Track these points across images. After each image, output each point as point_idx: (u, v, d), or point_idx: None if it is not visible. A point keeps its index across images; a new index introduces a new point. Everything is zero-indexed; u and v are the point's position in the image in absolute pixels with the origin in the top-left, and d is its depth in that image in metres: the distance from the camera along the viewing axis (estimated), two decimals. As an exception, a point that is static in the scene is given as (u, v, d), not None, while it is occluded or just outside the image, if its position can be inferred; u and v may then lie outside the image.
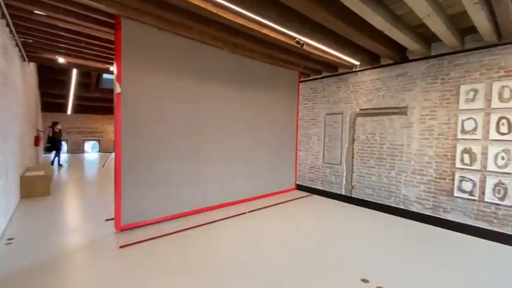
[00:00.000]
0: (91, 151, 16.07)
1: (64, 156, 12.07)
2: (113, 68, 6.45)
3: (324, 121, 6.31)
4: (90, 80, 11.75)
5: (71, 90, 11.55)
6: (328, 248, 3.33)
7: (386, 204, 5.11)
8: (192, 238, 3.53)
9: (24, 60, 5.94)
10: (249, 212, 4.62)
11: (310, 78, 6.59)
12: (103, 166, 10.17)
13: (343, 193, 5.89)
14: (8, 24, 3.97)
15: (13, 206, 4.42)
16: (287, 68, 5.90)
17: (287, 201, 5.50)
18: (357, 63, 5.28)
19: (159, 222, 4.00)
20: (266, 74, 5.60)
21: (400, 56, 4.71)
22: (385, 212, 5.05)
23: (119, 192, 3.59)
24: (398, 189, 4.97)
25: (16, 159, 4.79)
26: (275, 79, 5.83)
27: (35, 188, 5.41)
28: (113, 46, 4.86)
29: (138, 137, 3.77)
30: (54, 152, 9.91)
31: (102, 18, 3.51)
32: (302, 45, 3.96)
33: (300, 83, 6.68)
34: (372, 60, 5.01)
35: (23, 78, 5.80)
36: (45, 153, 13.29)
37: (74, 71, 10.02)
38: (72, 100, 12.41)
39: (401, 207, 4.90)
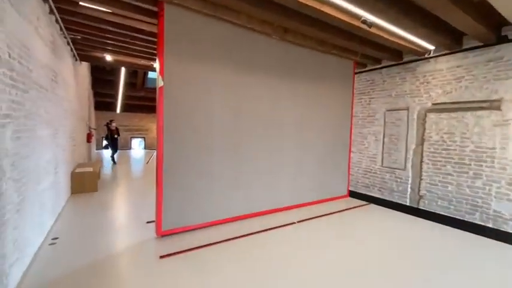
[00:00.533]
0: (137, 148, 16.89)
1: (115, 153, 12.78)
2: (156, 64, 6.39)
3: (384, 118, 5.45)
4: (136, 79, 12.20)
5: (119, 89, 12.12)
6: (412, 281, 2.62)
7: (468, 220, 4.14)
8: (237, 251, 3.09)
9: (76, 59, 6.13)
10: (298, 221, 4.06)
11: (367, 69, 5.77)
12: (147, 163, 10.44)
13: (408, 203, 5.00)
14: (57, 21, 3.95)
15: (63, 202, 4.47)
16: (341, 57, 5.17)
17: (341, 210, 4.80)
18: (431, 47, 4.37)
19: (201, 228, 3.66)
20: (317, 65, 4.95)
21: (496, 34, 3.72)
22: (465, 230, 4.09)
23: (160, 196, 3.31)
24: (486, 203, 3.97)
25: (67, 156, 4.87)
26: (327, 70, 5.15)
27: (83, 184, 5.51)
28: (156, 40, 4.68)
29: (181, 135, 3.45)
30: (110, 149, 10.08)
31: (144, 6, 3.24)
32: (370, 26, 3.27)
33: (355, 75, 5.89)
34: (453, 43, 4.07)
35: (75, 76, 5.99)
36: (97, 150, 14.27)
37: (122, 71, 10.43)
38: (121, 99, 13.05)
39: (490, 225, 3.91)
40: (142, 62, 6.09)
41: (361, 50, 4.68)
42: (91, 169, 5.80)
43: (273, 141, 4.39)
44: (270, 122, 4.34)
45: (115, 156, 10.00)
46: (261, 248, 3.18)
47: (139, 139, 16.86)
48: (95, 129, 12.86)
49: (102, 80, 12.24)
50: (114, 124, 9.98)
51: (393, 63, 5.25)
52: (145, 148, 16.65)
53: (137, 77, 11.95)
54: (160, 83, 3.25)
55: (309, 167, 4.96)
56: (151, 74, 12.30)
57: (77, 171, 5.53)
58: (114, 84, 11.92)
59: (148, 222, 3.87)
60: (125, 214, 4.36)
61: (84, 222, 3.85)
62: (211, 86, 3.66)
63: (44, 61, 3.32)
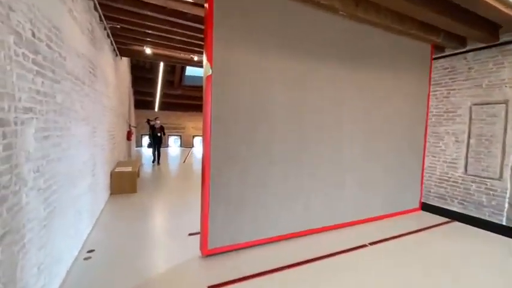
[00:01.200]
0: (173, 145, 17.07)
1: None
2: (197, 57, 5.96)
3: (469, 114, 4.38)
4: (174, 77, 12.11)
5: (158, 87, 12.13)
6: None
7: None
8: (304, 284, 2.43)
9: (116, 55, 5.94)
10: (370, 243, 3.26)
11: (445, 54, 4.71)
12: (184, 162, 10.24)
13: (504, 223, 3.92)
14: (95, 8, 3.61)
15: (101, 205, 4.19)
16: (418, 39, 4.21)
17: (419, 230, 3.86)
18: (555, 19, 3.26)
19: (252, 246, 3.05)
20: (389, 50, 4.06)
21: None
22: None
23: (206, 208, 2.76)
24: None
25: (106, 154, 4.61)
26: (400, 56, 4.22)
27: (123, 184, 5.27)
28: (200, 26, 4.19)
29: (231, 135, 2.87)
30: (152, 148, 9.27)
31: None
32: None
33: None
34: None
35: (115, 72, 5.79)
36: (136, 147, 14.63)
37: (161, 69, 10.33)
38: (159, 97, 13.12)
39: None
40: (182, 55, 5.70)
41: (447, 25, 3.70)
42: (130, 168, 5.55)
43: (334, 143, 3.63)
44: (330, 120, 3.58)
45: (156, 155, 9.18)
46: (333, 281, 2.47)
47: (176, 137, 17.00)
48: (135, 127, 13.10)
49: (141, 78, 12.37)
50: (158, 122, 9.24)
51: (484, 45, 4.17)
52: (181, 146, 16.76)
53: (175, 75, 11.85)
54: (208, 71, 2.70)
55: (375, 174, 4.10)
56: (188, 71, 12.14)
57: (116, 170, 5.30)
58: (153, 83, 11.96)
59: (190, 234, 3.37)
60: (165, 222, 3.94)
61: (122, 231, 3.48)
62: (265, 75, 3.02)
63: (80, 50, 2.95)
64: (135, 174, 5.44)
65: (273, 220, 3.18)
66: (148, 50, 5.41)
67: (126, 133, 9.10)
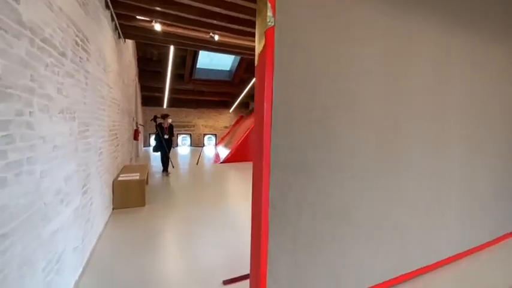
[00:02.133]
0: (183, 145, 16.05)
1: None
2: (218, 36, 4.82)
3: None
4: (184, 70, 11.04)
5: (166, 82, 11.08)
6: None
7: None
8: None
9: (119, 36, 4.86)
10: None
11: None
12: (197, 163, 9.17)
13: None
14: (85, -48, 2.51)
15: (96, 234, 3.11)
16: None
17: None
18: None
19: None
20: None
21: None
22: None
23: (264, 251, 1.63)
24: None
25: (105, 160, 3.54)
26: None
27: (128, 196, 4.21)
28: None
29: (302, 135, 1.72)
30: (161, 154, 7.05)
31: None
32: None
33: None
34: None
35: (118, 57, 4.72)
36: (144, 147, 13.66)
37: (170, 61, 9.25)
38: (168, 93, 12.09)
39: None
40: (199, 34, 4.57)
41: None
42: (137, 175, 4.48)
43: (437, 147, 2.44)
44: (429, 111, 2.39)
45: (166, 161, 7.10)
46: None
47: (185, 136, 15.99)
48: (142, 125, 12.10)
49: (148, 72, 11.34)
50: (169, 120, 7.08)
51: None
52: (191, 145, 15.73)
53: (185, 67, 10.78)
54: (269, 23, 1.55)
55: (485, 187, 2.90)
56: (200, 64, 11.05)
57: (120, 178, 4.23)
58: (161, 77, 10.92)
59: (226, 282, 2.25)
60: (185, 257, 2.84)
61: (125, 274, 2.39)
62: (348, 48, 1.86)
63: (57, 1, 1.85)
64: (144, 183, 4.36)
65: (358, 265, 2.04)
66: (157, 26, 4.29)
67: (133, 132, 8.09)
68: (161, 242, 3.10)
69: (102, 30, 3.50)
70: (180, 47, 5.87)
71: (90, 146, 2.77)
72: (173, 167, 7.60)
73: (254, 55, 1.71)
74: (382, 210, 2.13)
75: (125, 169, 5.06)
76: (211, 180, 6.70)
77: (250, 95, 14.46)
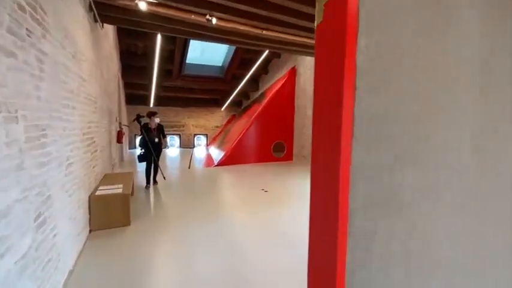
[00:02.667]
0: (171, 146, 15.14)
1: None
2: (216, 20, 4.07)
3: None
4: (173, 65, 10.17)
5: (153, 78, 10.19)
6: None
7: None
8: None
9: (95, 20, 4.04)
10: None
11: None
12: (189, 167, 8.37)
13: None
14: None
15: (69, 264, 2.35)
16: None
17: None
18: None
19: None
20: None
21: None
22: None
23: None
24: None
25: (77, 173, 2.75)
26: None
27: (110, 213, 3.43)
28: None
29: (395, 149, 1.04)
30: (147, 164, 5.45)
31: None
32: None
33: None
34: None
35: (94, 45, 3.90)
36: (130, 149, 12.69)
37: (157, 54, 8.39)
38: (154, 91, 11.18)
39: None
40: (193, 16, 3.82)
41: None
42: (120, 187, 3.70)
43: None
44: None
45: (152, 173, 5.61)
46: None
47: (173, 136, 15.08)
48: (127, 126, 11.15)
49: (133, 68, 10.40)
50: (157, 119, 5.44)
51: None
52: (180, 146, 14.85)
53: (173, 62, 9.93)
54: None
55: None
56: (189, 59, 10.22)
57: (99, 192, 3.44)
58: (147, 73, 10.02)
59: None
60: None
61: None
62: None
63: None
64: (128, 197, 3.58)
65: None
66: (142, 5, 3.50)
67: (116, 134, 7.23)
68: (153, 277, 2.36)
69: (70, 5, 2.71)
70: (170, 35, 5.09)
71: (51, 158, 2.00)
72: (164, 178, 6.10)
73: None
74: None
75: (105, 179, 4.25)
76: (208, 188, 5.95)
77: (243, 93, 13.73)
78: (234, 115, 15.14)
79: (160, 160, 5.87)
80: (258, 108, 10.25)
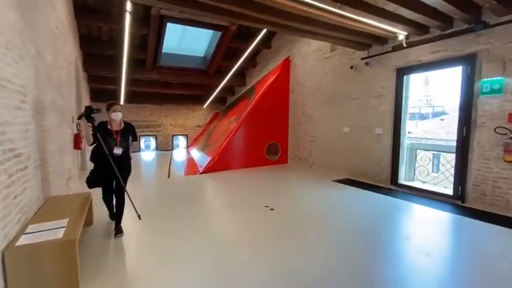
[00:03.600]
0: (146, 149, 13.44)
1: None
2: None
3: None
4: (146, 55, 8.62)
5: (122, 70, 8.57)
6: None
7: None
8: None
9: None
10: None
11: None
12: (168, 176, 6.94)
13: None
14: None
15: None
16: None
17: None
18: None
19: None
20: None
21: None
22: None
23: None
24: None
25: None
26: None
27: (41, 277, 2.06)
28: None
29: None
30: (102, 190, 3.54)
31: None
32: None
33: None
34: None
35: (19, 4, 2.47)
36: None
37: (126, 41, 6.85)
38: (125, 85, 9.51)
39: None
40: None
41: None
42: (63, 226, 2.33)
43: None
44: None
45: (116, 208, 3.44)
46: None
47: (150, 137, 13.40)
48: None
49: (97, 58, 8.71)
50: (119, 113, 3.40)
51: None
52: (156, 149, 13.21)
53: (147, 52, 8.38)
54: None
55: None
56: (166, 48, 8.72)
57: (22, 241, 2.06)
58: (115, 63, 8.39)
59: None
60: None
61: None
62: None
63: None
64: (74, 245, 2.20)
65: None
66: None
67: (73, 139, 5.71)
68: None
69: None
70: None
71: None
72: (139, 217, 3.52)
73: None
74: None
75: (46, 208, 2.83)
76: (196, 210, 4.48)
77: (229, 88, 12.41)
78: (217, 113, 13.75)
79: (135, 166, 3.90)
80: (246, 105, 9.02)
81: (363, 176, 6.21)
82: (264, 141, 8.39)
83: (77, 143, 5.76)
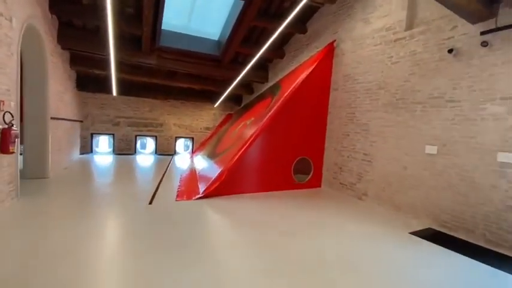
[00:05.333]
0: (142, 151, 11.36)
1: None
2: None
3: None
4: (142, 30, 6.48)
5: (110, 48, 6.45)
6: None
7: None
8: None
9: None
10: None
11: None
12: (150, 202, 4.63)
13: None
14: None
15: None
16: None
17: None
18: None
19: None
20: None
21: None
22: None
23: None
24: None
25: None
26: None
27: None
28: None
29: None
30: None
31: None
32: None
33: None
34: None
35: None
36: (83, 154, 8.74)
37: (108, 2, 4.70)
38: (114, 70, 7.41)
39: None
40: None
41: None
42: None
43: None
44: None
45: None
46: None
47: (149, 138, 11.33)
48: (81, 121, 7.35)
49: (79, 31, 6.69)
50: None
51: None
52: (156, 152, 11.09)
53: (142, 25, 6.24)
54: None
55: None
56: (171, 26, 6.57)
57: None
58: (102, 38, 6.31)
59: None
60: None
61: None
62: None
63: None
64: None
65: None
66: None
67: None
68: None
69: None
70: None
71: None
72: None
73: None
74: None
75: None
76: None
77: (246, 85, 10.16)
78: (229, 114, 11.54)
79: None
80: (268, 106, 6.71)
81: (463, 230, 3.72)
82: (291, 156, 6.03)
83: (3, 144, 3.63)
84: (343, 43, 6.09)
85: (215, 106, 11.39)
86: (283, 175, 5.96)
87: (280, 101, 5.96)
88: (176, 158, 10.31)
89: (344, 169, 5.87)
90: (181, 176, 6.97)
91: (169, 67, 8.00)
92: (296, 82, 6.16)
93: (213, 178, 5.27)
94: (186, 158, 10.25)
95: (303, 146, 6.18)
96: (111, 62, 7.02)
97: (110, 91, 8.96)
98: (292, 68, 7.78)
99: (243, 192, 5.40)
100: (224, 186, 5.13)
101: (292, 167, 6.03)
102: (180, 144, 11.75)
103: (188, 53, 7.72)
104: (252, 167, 5.58)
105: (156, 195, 4.96)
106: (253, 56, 7.41)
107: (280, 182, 5.90)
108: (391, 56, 4.94)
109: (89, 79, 8.82)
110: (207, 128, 11.78)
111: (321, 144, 6.45)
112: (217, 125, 11.69)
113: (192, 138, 11.68)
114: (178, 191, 5.31)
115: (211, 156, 7.85)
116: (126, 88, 9.35)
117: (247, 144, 5.50)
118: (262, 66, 9.09)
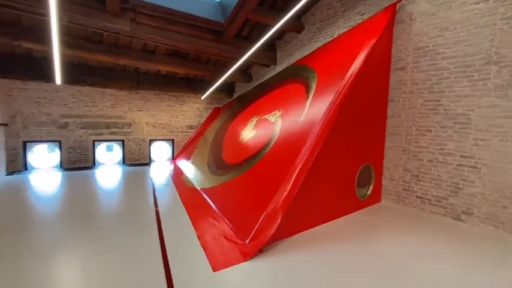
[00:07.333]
0: (105, 160, 8.50)
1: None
2: None
3: None
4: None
5: (49, 8, 3.74)
6: None
7: None
8: None
9: None
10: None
11: None
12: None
13: None
14: None
15: None
16: None
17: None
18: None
19: None
20: None
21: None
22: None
23: None
24: None
25: None
26: None
27: None
28: None
29: None
30: None
31: None
32: None
33: None
34: None
35: None
36: (9, 175, 5.63)
37: None
38: (59, 42, 4.62)
39: None
40: None
41: None
42: None
43: None
44: None
45: None
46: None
47: (112, 143, 8.48)
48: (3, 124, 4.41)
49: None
50: None
51: None
52: (123, 162, 8.32)
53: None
54: None
55: None
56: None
57: None
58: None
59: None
60: None
61: None
62: None
63: None
64: None
65: None
66: None
67: None
68: None
69: None
70: None
71: None
72: None
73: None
74: None
75: None
76: None
77: (244, 70, 7.97)
78: (217, 108, 9.22)
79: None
80: (306, 95, 4.76)
81: None
82: (354, 165, 4.23)
83: None
84: (411, 4, 4.41)
85: (202, 98, 8.97)
86: (346, 192, 4.14)
87: (339, 93, 3.99)
88: (154, 168, 7.75)
89: (424, 178, 4.27)
90: (183, 201, 4.66)
91: (147, 38, 5.45)
92: (354, 65, 4.26)
93: (260, 220, 3.17)
94: (168, 168, 7.76)
95: (365, 149, 4.42)
96: (52, 27, 4.26)
97: (51, 78, 6.00)
98: (319, 45, 5.92)
99: (300, 231, 3.46)
100: (279, 229, 3.09)
101: (356, 179, 4.24)
102: (157, 149, 9.09)
103: (176, 13, 5.23)
104: (312, 193, 3.60)
105: (172, 271, 2.68)
106: (270, 26, 5.31)
107: (343, 203, 4.08)
108: (507, 15, 3.41)
109: (15, 59, 5.76)
110: (191, 127, 9.33)
111: (379, 144, 4.76)
112: (203, 122, 9.30)
113: (172, 141, 9.12)
114: (206, 249, 3.05)
115: (218, 166, 5.64)
116: (76, 73, 6.45)
117: (306, 163, 3.44)
118: (270, 45, 7.04)
